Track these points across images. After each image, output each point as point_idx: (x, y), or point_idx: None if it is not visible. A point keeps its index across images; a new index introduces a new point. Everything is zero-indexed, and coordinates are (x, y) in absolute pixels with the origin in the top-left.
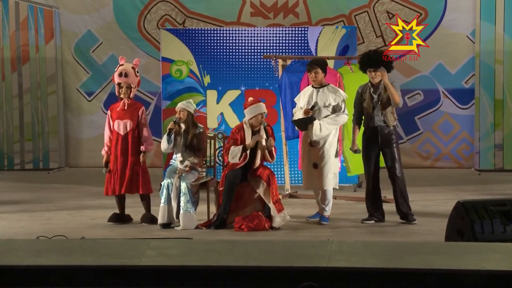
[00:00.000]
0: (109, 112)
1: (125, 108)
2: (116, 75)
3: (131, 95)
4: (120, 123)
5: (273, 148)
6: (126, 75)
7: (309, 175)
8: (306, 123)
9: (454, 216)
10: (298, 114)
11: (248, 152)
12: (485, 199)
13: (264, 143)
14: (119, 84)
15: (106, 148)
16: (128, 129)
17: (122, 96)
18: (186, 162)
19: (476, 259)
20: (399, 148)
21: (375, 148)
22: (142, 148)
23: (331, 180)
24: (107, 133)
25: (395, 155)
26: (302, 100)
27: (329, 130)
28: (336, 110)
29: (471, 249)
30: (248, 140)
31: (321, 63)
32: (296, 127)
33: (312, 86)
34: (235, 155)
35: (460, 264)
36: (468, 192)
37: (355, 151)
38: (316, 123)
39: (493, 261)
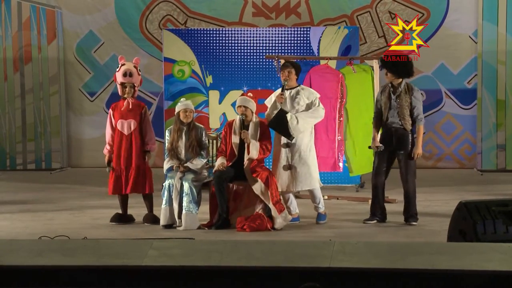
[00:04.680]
0: (110, 111)
1: (130, 107)
2: (119, 75)
3: (135, 95)
4: (124, 122)
5: (252, 142)
6: (130, 75)
7: (284, 177)
8: (279, 118)
9: (456, 217)
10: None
11: (236, 150)
12: (488, 199)
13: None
14: (122, 84)
15: (108, 147)
16: (132, 128)
17: (126, 96)
18: (192, 166)
19: (478, 259)
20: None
21: (388, 149)
22: (147, 148)
23: (310, 182)
24: (109, 132)
25: (410, 158)
26: (273, 101)
27: (308, 124)
28: (310, 107)
29: (474, 250)
30: (233, 137)
31: (296, 66)
32: (277, 132)
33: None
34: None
35: (463, 264)
36: (471, 193)
37: (377, 148)
38: (290, 116)
39: (495, 262)
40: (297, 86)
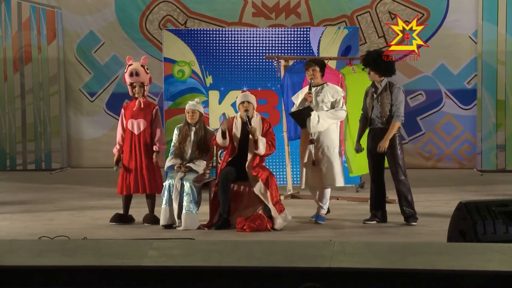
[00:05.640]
0: (122, 110)
1: (141, 107)
2: (127, 75)
3: (145, 94)
4: (134, 122)
5: (259, 137)
6: (137, 74)
7: (310, 173)
8: (303, 114)
9: (456, 217)
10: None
11: (236, 145)
12: (487, 199)
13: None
14: (131, 84)
15: (118, 146)
16: (142, 128)
17: (136, 95)
18: (194, 167)
19: (478, 259)
20: (402, 150)
21: (377, 149)
22: (155, 148)
23: (332, 179)
24: (119, 131)
25: (397, 158)
26: (300, 99)
27: (327, 124)
28: (334, 106)
29: (474, 250)
30: (235, 130)
31: (320, 62)
32: (295, 121)
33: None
34: (218, 136)
35: (463, 264)
36: (470, 193)
37: (357, 151)
38: (314, 114)
39: (495, 262)
40: (323, 84)
